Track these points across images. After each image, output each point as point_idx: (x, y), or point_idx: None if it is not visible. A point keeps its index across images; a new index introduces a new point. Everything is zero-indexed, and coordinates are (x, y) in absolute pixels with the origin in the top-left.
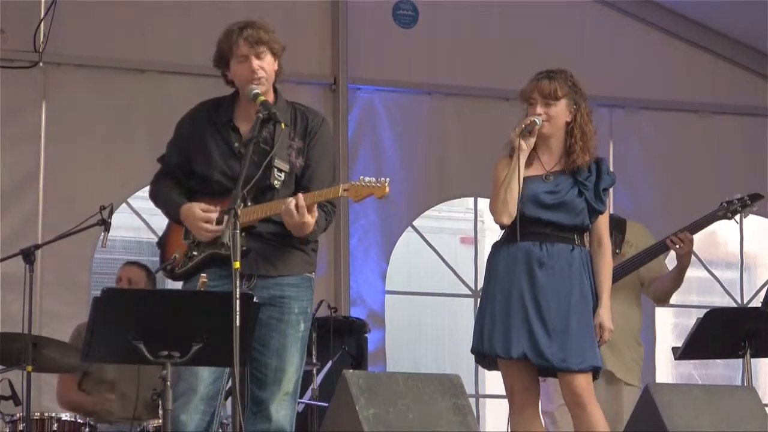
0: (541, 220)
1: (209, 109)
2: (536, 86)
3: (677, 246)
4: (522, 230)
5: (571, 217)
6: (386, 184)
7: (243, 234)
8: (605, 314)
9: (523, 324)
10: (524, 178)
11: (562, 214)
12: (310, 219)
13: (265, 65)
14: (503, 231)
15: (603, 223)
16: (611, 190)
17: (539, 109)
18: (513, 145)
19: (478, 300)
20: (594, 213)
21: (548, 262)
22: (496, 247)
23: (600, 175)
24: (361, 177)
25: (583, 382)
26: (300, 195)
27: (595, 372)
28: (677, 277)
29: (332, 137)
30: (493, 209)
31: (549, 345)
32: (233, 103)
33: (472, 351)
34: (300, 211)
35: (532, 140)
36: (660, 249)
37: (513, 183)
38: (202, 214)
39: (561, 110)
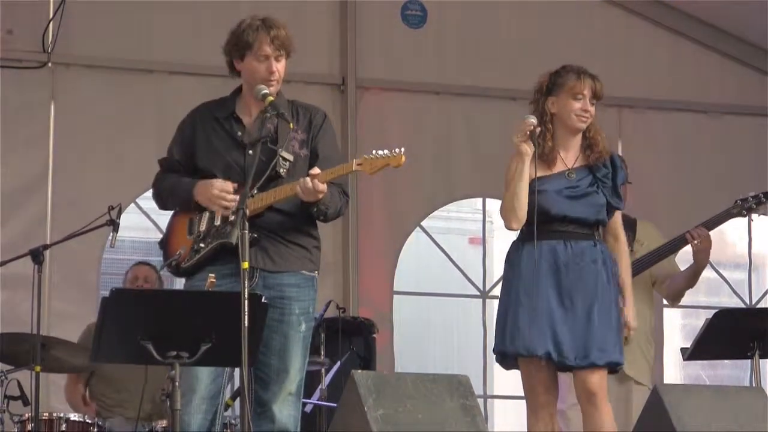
0: (568, 217)
1: (210, 107)
2: (590, 85)
3: (696, 241)
4: (546, 227)
5: (594, 212)
6: (402, 154)
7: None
8: (630, 313)
9: (547, 324)
10: (548, 176)
11: (587, 209)
12: (323, 187)
13: (281, 68)
14: (522, 230)
15: (617, 218)
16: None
17: (588, 107)
18: (518, 150)
19: (487, 301)
20: (611, 209)
21: (574, 261)
22: (517, 245)
23: (615, 170)
24: (374, 150)
25: (598, 380)
26: (315, 168)
27: (614, 367)
28: (693, 276)
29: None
30: (503, 215)
31: (573, 347)
32: (235, 97)
33: (495, 351)
34: (314, 180)
35: (531, 144)
36: (678, 244)
37: (519, 190)
38: (220, 184)
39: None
